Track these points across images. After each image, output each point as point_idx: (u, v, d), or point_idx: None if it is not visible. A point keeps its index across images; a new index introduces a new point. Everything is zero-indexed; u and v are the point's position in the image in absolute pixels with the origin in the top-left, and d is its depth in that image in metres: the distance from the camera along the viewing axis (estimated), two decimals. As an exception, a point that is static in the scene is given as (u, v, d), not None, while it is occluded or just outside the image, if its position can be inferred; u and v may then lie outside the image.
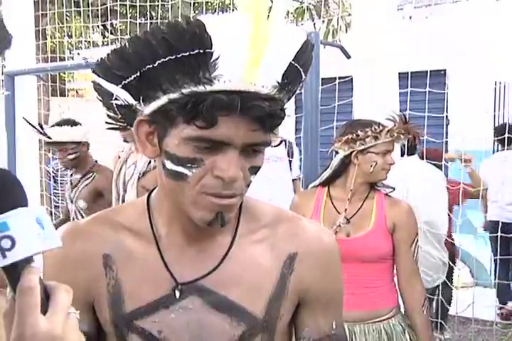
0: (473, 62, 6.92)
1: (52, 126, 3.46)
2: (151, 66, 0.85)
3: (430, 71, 4.04)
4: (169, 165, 0.90)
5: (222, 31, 0.85)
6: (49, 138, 3.42)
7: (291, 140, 4.76)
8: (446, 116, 5.95)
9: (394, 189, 2.32)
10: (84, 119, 3.53)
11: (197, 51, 0.83)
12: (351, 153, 2.22)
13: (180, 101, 0.85)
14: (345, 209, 2.23)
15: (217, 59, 0.84)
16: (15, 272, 0.63)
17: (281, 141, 4.69)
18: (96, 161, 3.63)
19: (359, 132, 2.20)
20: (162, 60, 0.84)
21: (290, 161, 4.64)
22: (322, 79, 2.67)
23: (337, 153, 2.30)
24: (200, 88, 0.84)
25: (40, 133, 3.41)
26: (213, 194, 0.89)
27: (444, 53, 7.01)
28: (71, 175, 3.70)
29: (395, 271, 2.31)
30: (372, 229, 2.21)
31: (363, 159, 2.21)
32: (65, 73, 8.23)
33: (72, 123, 3.46)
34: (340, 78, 3.84)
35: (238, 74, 0.84)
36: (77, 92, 8.93)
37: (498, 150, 6.46)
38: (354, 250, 2.16)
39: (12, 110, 3.85)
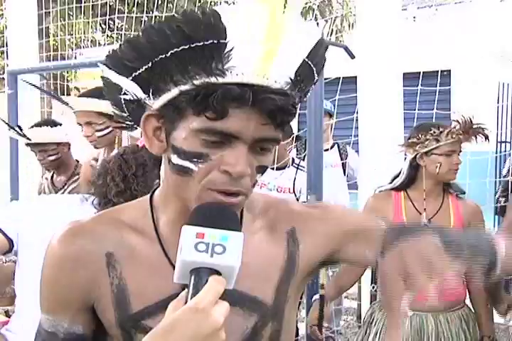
0: (478, 63, 6.91)
1: (32, 127, 3.40)
2: (163, 56, 0.84)
3: (434, 71, 4.03)
4: (175, 159, 0.88)
5: (237, 22, 0.83)
6: (28, 139, 3.38)
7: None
8: (449, 116, 5.93)
9: (465, 193, 2.47)
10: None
11: (211, 41, 0.82)
12: (416, 155, 2.35)
13: (191, 92, 0.84)
14: (425, 209, 2.36)
15: (231, 50, 0.83)
16: (202, 274, 0.78)
17: (333, 144, 4.26)
18: (77, 161, 3.60)
19: (420, 136, 2.33)
20: (175, 49, 0.83)
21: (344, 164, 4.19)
22: (325, 79, 2.66)
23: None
24: (212, 79, 0.83)
25: (19, 134, 3.37)
26: (219, 190, 0.86)
27: (448, 53, 7.00)
28: (52, 176, 3.66)
29: None
30: None
31: (428, 161, 2.33)
32: (67, 72, 8.21)
33: (52, 123, 3.42)
34: (343, 78, 3.83)
35: (251, 67, 0.83)
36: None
37: (500, 152, 6.43)
38: None
39: (15, 109, 3.84)
